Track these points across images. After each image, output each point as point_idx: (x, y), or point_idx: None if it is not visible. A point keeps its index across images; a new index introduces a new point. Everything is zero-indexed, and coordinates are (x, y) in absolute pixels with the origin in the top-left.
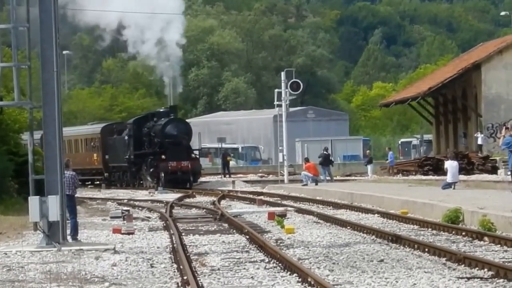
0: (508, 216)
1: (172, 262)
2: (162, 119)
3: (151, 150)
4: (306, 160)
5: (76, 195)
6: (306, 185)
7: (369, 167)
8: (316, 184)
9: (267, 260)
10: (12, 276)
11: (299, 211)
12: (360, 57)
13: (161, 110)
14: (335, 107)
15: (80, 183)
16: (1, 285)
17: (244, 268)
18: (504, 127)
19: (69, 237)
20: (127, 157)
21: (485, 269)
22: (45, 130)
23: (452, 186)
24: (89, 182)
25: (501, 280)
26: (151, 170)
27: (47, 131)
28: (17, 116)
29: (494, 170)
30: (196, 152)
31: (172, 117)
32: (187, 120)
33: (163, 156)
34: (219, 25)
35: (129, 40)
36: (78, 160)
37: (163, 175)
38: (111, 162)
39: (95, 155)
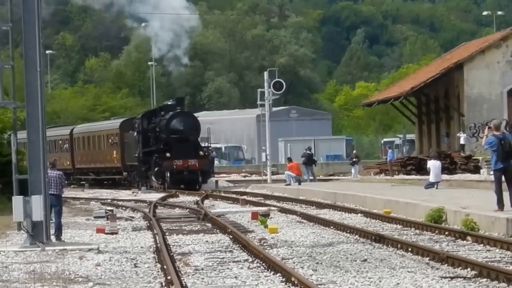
0: (490, 216)
1: (156, 262)
2: (170, 112)
3: (155, 148)
4: (289, 159)
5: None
6: (289, 184)
7: (355, 167)
8: (299, 184)
9: (250, 260)
10: None
11: (283, 210)
12: (342, 56)
13: (169, 103)
14: (318, 107)
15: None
16: None
17: (228, 268)
18: (486, 127)
19: (53, 237)
20: (136, 155)
21: (468, 269)
22: (28, 129)
23: (435, 186)
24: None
25: (484, 279)
26: (155, 169)
27: (31, 130)
28: (1, 116)
29: (476, 169)
30: (205, 149)
31: (178, 110)
32: None
33: (167, 154)
34: (202, 24)
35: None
36: (101, 158)
37: (168, 175)
38: (127, 160)
39: (114, 152)
